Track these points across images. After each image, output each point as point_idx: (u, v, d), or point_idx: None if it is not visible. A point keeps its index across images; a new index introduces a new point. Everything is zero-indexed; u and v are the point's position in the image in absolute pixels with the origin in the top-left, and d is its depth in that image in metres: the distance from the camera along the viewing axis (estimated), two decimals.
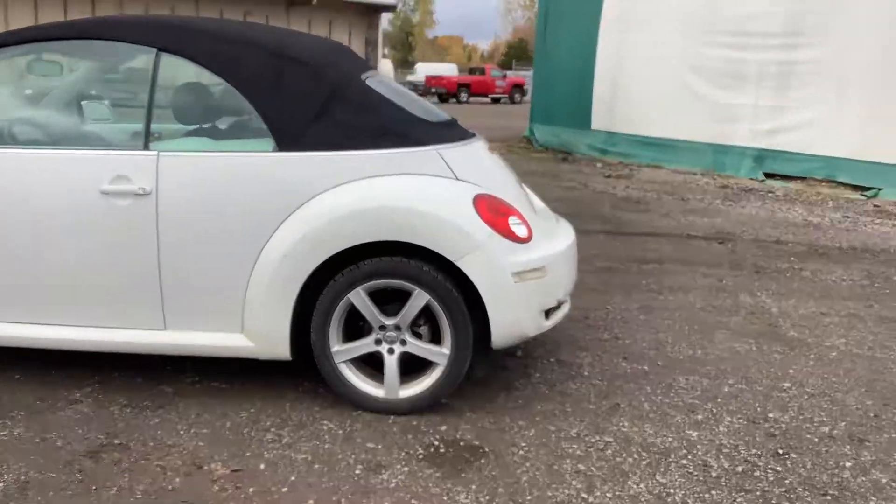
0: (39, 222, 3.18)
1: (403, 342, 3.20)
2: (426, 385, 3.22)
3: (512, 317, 3.18)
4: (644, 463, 2.87)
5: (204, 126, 3.49)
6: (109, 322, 3.26)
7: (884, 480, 2.81)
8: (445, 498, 2.60)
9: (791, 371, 3.83)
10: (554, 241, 3.45)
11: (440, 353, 3.18)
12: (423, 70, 42.21)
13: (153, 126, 3.23)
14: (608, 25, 13.25)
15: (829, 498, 2.68)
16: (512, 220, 3.24)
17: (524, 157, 13.35)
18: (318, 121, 3.19)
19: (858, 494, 2.71)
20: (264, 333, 3.20)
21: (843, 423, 3.26)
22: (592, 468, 2.82)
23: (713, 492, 2.69)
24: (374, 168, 3.15)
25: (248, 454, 2.85)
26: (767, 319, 4.65)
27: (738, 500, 2.64)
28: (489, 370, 3.70)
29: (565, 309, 3.61)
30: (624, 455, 2.93)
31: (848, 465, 2.92)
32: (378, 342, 3.21)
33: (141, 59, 3.35)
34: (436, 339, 3.22)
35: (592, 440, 3.04)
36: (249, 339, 3.22)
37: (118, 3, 11.82)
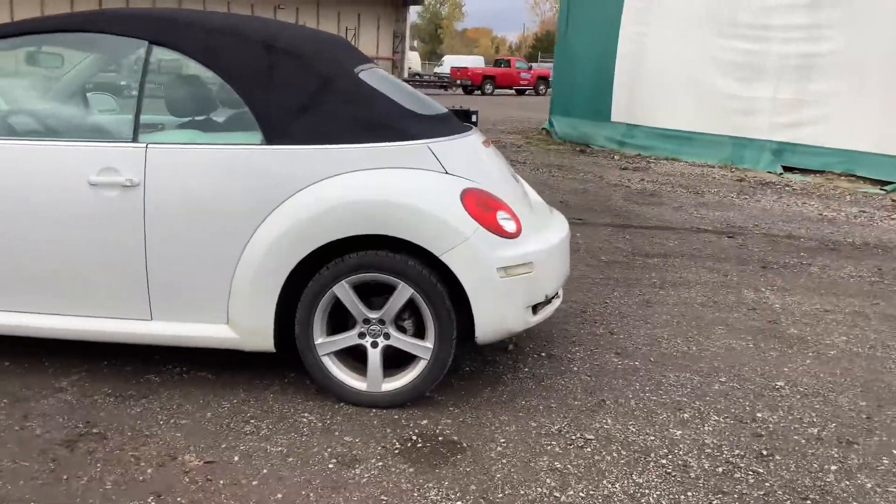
0: (28, 213, 3.19)
1: (387, 336, 3.18)
2: (409, 379, 3.20)
3: (497, 312, 3.15)
4: (622, 462, 2.83)
5: (193, 118, 3.50)
6: (97, 312, 3.28)
7: (869, 485, 2.74)
8: (416, 494, 2.58)
9: (786, 369, 3.76)
10: (545, 235, 3.41)
11: (423, 347, 3.16)
12: (451, 62, 42.32)
13: (142, 118, 3.23)
14: (630, 17, 13.11)
15: (809, 502, 2.62)
16: (500, 214, 3.21)
17: (542, 149, 13.27)
18: (307, 114, 3.18)
19: (840, 499, 2.64)
20: (249, 325, 3.20)
21: (834, 425, 3.19)
22: (569, 466, 2.79)
23: (689, 493, 2.64)
24: (361, 162, 3.13)
25: (223, 446, 2.85)
26: (768, 316, 4.57)
27: (714, 502, 2.59)
28: (478, 364, 3.67)
29: (556, 304, 3.57)
30: (603, 453, 2.89)
31: (833, 468, 2.85)
32: (362, 335, 3.20)
33: (132, 51, 3.35)
34: (420, 333, 3.20)
35: (573, 437, 3.00)
36: (234, 330, 3.22)
37: None
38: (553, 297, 3.47)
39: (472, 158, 3.38)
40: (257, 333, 3.20)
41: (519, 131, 16.11)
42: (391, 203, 3.05)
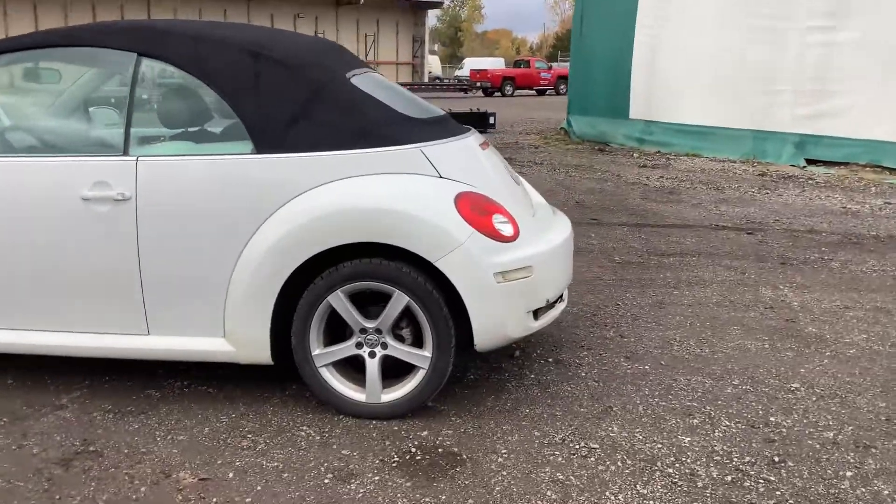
0: (22, 229, 3.18)
1: (385, 345, 3.12)
2: (408, 389, 3.13)
3: (496, 318, 3.07)
4: (627, 471, 2.74)
5: (183, 130, 3.46)
6: (93, 327, 3.25)
7: (886, 492, 2.62)
8: None
9: (802, 370, 3.63)
10: (545, 238, 3.33)
11: (422, 356, 3.09)
12: (471, 65, 42.33)
13: (132, 131, 3.20)
14: (645, 12, 12.94)
15: None
16: (497, 218, 3.14)
17: (560, 149, 13.15)
18: (298, 122, 3.13)
19: None
20: (245, 338, 3.16)
21: (850, 428, 3.07)
22: (571, 477, 2.70)
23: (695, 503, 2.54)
24: (353, 168, 3.08)
25: (219, 462, 2.80)
26: (786, 314, 4.43)
27: None
28: (482, 372, 3.60)
29: (560, 308, 3.48)
30: (607, 463, 2.79)
31: (849, 474, 2.73)
32: (359, 346, 3.14)
33: (121, 63, 3.33)
34: (418, 342, 3.13)
35: (577, 446, 2.91)
36: (231, 343, 3.17)
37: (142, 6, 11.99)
38: (556, 301, 3.38)
39: (467, 161, 3.31)
40: (254, 346, 3.16)
41: (537, 132, 15.99)
42: (383, 210, 2.99)
